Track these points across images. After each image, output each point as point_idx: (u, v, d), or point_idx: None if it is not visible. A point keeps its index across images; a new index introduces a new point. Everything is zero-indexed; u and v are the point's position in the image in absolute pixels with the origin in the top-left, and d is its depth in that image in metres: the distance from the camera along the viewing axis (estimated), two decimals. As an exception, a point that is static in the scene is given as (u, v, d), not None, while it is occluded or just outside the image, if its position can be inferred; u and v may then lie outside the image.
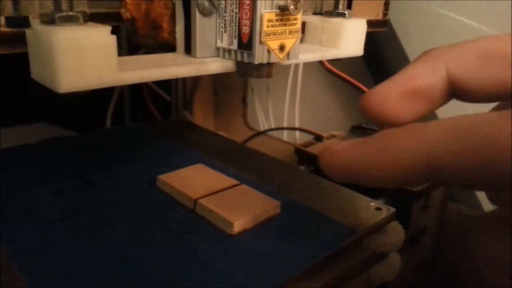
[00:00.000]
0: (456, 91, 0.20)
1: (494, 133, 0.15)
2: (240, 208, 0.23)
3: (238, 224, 0.22)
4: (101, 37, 0.18)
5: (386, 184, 0.18)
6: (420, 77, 0.20)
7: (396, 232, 0.25)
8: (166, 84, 0.57)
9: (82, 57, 0.18)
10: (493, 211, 0.19)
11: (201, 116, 0.60)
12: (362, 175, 0.18)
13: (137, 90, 0.55)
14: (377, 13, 0.36)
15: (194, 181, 0.26)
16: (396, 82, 0.20)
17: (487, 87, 0.19)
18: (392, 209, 0.25)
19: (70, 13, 0.19)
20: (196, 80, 0.59)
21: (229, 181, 0.26)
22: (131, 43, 0.29)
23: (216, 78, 0.62)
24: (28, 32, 0.20)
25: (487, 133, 0.15)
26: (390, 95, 0.20)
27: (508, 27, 0.45)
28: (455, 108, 0.21)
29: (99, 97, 0.29)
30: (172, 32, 0.25)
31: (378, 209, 0.25)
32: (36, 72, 0.19)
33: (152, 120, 0.54)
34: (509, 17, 0.45)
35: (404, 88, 0.20)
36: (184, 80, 0.57)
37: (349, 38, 0.29)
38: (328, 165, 0.19)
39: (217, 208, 0.23)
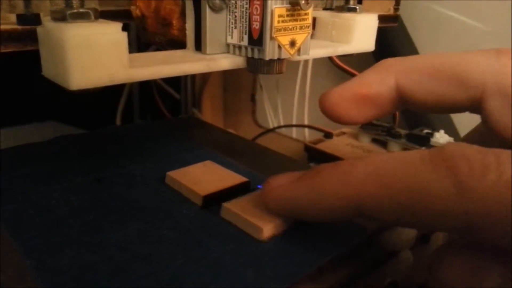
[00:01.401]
0: (405, 101, 0.21)
1: (411, 182, 0.16)
2: (268, 213, 0.22)
3: (268, 230, 0.21)
4: (112, 34, 0.18)
5: (320, 221, 0.20)
6: (370, 85, 0.21)
7: (408, 230, 0.25)
8: (175, 82, 0.57)
9: (94, 54, 0.18)
10: (449, 240, 0.20)
11: (210, 114, 0.60)
12: (298, 213, 0.20)
13: (146, 88, 0.55)
14: (388, 8, 0.35)
15: (202, 177, 0.25)
16: (349, 87, 0.22)
17: (430, 100, 0.20)
18: None
19: (81, 10, 0.19)
20: (205, 78, 0.59)
21: (238, 178, 0.26)
22: (141, 40, 0.29)
23: (225, 76, 0.62)
24: (39, 29, 0.20)
25: (404, 182, 0.16)
26: (343, 98, 0.21)
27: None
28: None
29: (108, 95, 0.29)
30: (182, 29, 0.24)
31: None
32: (48, 69, 0.19)
33: (161, 118, 0.54)
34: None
35: (355, 93, 0.21)
36: (193, 77, 0.57)
37: (361, 33, 0.29)
38: (268, 201, 0.21)
39: (245, 213, 0.22)
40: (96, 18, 0.19)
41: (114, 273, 0.18)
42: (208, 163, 0.27)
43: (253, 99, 0.62)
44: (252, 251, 0.20)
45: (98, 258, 0.19)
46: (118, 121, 0.53)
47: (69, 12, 0.18)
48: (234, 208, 0.22)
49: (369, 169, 0.17)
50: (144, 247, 0.20)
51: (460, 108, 0.20)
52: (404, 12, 0.49)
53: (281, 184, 0.20)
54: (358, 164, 0.17)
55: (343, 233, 0.22)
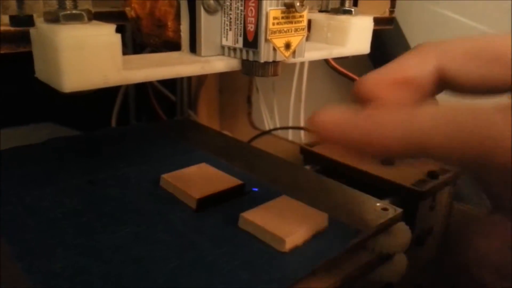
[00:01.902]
0: (446, 83, 0.21)
1: (487, 129, 0.16)
2: (289, 222, 0.22)
3: (290, 241, 0.21)
4: (105, 36, 0.18)
5: (372, 156, 0.19)
6: (410, 68, 0.21)
7: (403, 233, 0.25)
8: (171, 84, 0.57)
9: (87, 56, 0.18)
10: (491, 214, 0.20)
11: (206, 116, 0.60)
12: (352, 146, 0.19)
13: (142, 89, 0.55)
14: (383, 11, 0.35)
15: (197, 180, 0.25)
16: (389, 70, 0.21)
17: (473, 81, 0.20)
18: (399, 210, 0.25)
19: (74, 12, 0.19)
20: (200, 80, 0.58)
21: (232, 180, 0.26)
22: (136, 42, 0.29)
23: (221, 78, 0.61)
24: (32, 31, 0.19)
25: (480, 128, 0.16)
26: (383, 82, 0.21)
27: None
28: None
29: (104, 96, 0.29)
30: (177, 31, 0.24)
31: (384, 209, 0.25)
32: (40, 71, 0.19)
33: (157, 120, 0.54)
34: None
35: (395, 76, 0.21)
36: (189, 79, 0.57)
37: (356, 35, 0.29)
38: (319, 129, 0.19)
39: (265, 223, 0.21)
40: (90, 19, 0.19)
41: (107, 276, 0.18)
42: (203, 166, 0.27)
43: (249, 101, 0.62)
44: (247, 254, 0.20)
45: (91, 261, 0.19)
46: (113, 123, 0.53)
47: (62, 13, 0.18)
48: (253, 219, 0.22)
49: (438, 119, 0.17)
50: (138, 249, 0.20)
51: (501, 89, 0.20)
52: (400, 14, 0.49)
53: (338, 116, 0.19)
54: (422, 112, 0.17)
55: (338, 236, 0.22)
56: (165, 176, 0.26)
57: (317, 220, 0.22)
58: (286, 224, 0.21)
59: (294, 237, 0.21)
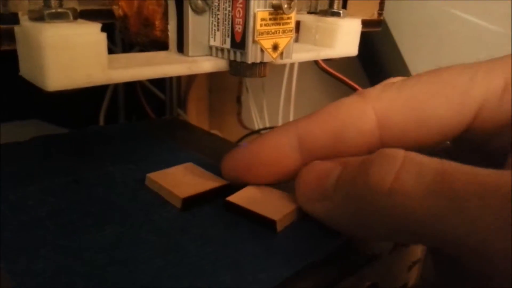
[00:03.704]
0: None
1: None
2: (274, 205, 0.23)
3: (281, 222, 0.22)
4: (91, 35, 0.18)
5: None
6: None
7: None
8: (160, 82, 0.57)
9: (71, 55, 0.18)
10: None
11: (195, 115, 0.60)
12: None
13: (131, 88, 0.55)
14: (372, 13, 0.36)
15: (183, 180, 0.25)
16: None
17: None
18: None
19: (59, 10, 0.18)
20: (190, 79, 0.58)
21: (218, 180, 0.26)
22: (125, 40, 0.29)
23: (210, 77, 0.61)
24: (17, 29, 0.19)
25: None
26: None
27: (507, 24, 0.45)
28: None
29: (93, 94, 0.29)
30: (165, 30, 0.24)
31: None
32: (25, 69, 0.19)
33: (146, 118, 0.54)
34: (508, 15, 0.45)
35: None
36: (179, 78, 0.57)
37: (344, 38, 0.29)
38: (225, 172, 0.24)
39: (253, 206, 0.22)
40: (75, 18, 0.19)
41: (90, 277, 0.18)
42: (189, 165, 0.27)
43: (238, 101, 0.62)
44: (231, 254, 0.20)
45: (74, 261, 0.19)
46: (101, 121, 0.53)
47: (47, 12, 0.18)
48: (240, 202, 0.22)
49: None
50: (122, 250, 0.20)
51: None
52: (389, 16, 0.49)
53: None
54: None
55: (322, 236, 0.22)
56: (150, 175, 0.26)
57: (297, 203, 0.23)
58: (271, 206, 0.22)
59: (284, 219, 0.22)
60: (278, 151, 0.21)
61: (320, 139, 0.21)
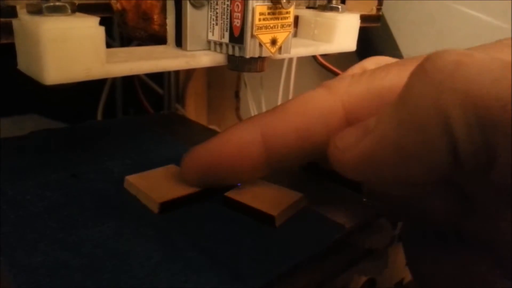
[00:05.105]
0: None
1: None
2: (269, 200, 0.22)
3: (280, 217, 0.22)
4: (89, 28, 0.18)
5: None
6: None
7: (385, 229, 0.25)
8: (158, 77, 0.57)
9: (69, 49, 0.18)
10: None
11: (193, 110, 0.60)
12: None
13: (129, 82, 0.55)
14: (370, 8, 0.36)
15: (162, 183, 0.24)
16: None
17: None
18: (381, 206, 0.25)
19: (57, 3, 0.18)
20: (189, 73, 0.58)
21: None
22: (123, 34, 0.29)
23: (209, 72, 0.61)
24: (14, 22, 0.19)
25: None
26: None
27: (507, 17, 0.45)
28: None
29: (91, 88, 0.29)
30: (163, 24, 0.24)
31: (366, 205, 0.25)
32: (23, 63, 0.19)
33: (144, 113, 0.54)
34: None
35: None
36: (177, 73, 0.57)
37: (342, 33, 0.29)
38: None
39: (252, 202, 0.22)
40: (73, 11, 0.19)
41: (88, 271, 0.18)
42: (171, 167, 0.26)
43: (237, 96, 0.62)
44: (227, 250, 0.20)
45: (72, 256, 0.19)
46: (99, 116, 0.52)
47: (45, 5, 0.18)
48: (239, 198, 0.22)
49: None
50: (120, 244, 0.20)
51: None
52: (388, 11, 0.49)
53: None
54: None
55: (319, 231, 0.22)
56: (129, 177, 0.25)
57: (294, 198, 0.23)
58: (269, 202, 0.22)
59: (283, 214, 0.22)
60: (241, 148, 0.20)
61: (285, 135, 0.19)
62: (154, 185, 0.24)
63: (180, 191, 0.23)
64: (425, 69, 0.14)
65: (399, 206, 0.20)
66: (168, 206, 0.23)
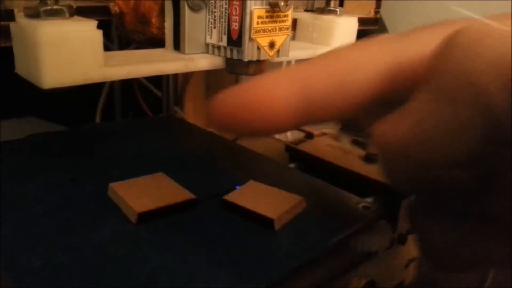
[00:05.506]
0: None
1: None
2: (268, 203, 0.23)
3: (278, 221, 0.22)
4: (87, 32, 0.18)
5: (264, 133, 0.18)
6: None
7: (384, 231, 0.25)
8: (157, 80, 0.57)
9: (67, 52, 0.18)
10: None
11: (192, 112, 0.60)
12: (240, 122, 0.17)
13: (128, 85, 0.55)
14: (368, 11, 0.36)
15: (146, 192, 0.23)
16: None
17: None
18: (381, 208, 0.25)
19: (55, 7, 0.18)
20: (187, 76, 0.58)
21: (185, 194, 0.24)
22: (121, 37, 0.29)
23: (208, 74, 0.61)
24: (12, 26, 0.19)
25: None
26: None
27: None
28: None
29: (89, 91, 0.29)
30: (161, 27, 0.24)
31: (366, 208, 0.25)
32: (20, 66, 0.19)
33: (143, 116, 0.54)
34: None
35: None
36: (176, 76, 0.57)
37: (341, 35, 0.29)
38: (211, 114, 0.17)
39: (251, 205, 0.22)
40: (71, 15, 0.19)
41: (87, 274, 0.18)
42: (158, 176, 0.25)
43: (236, 98, 0.61)
44: (227, 253, 0.20)
45: (71, 259, 0.19)
46: (98, 119, 0.52)
47: (43, 8, 0.18)
48: (238, 201, 0.22)
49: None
50: (119, 248, 0.20)
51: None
52: (386, 14, 0.49)
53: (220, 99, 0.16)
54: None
55: (320, 234, 0.22)
56: (112, 185, 0.24)
57: (293, 201, 0.23)
58: (268, 205, 0.22)
59: (282, 217, 0.22)
60: (275, 92, 0.18)
61: (323, 83, 0.18)
62: (136, 194, 0.23)
63: (163, 201, 0.23)
64: (456, 42, 0.14)
65: (423, 183, 0.19)
66: (147, 217, 0.22)
